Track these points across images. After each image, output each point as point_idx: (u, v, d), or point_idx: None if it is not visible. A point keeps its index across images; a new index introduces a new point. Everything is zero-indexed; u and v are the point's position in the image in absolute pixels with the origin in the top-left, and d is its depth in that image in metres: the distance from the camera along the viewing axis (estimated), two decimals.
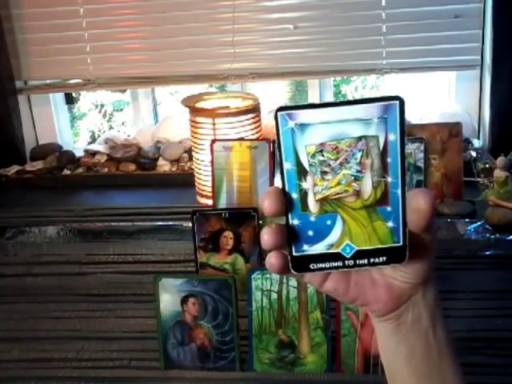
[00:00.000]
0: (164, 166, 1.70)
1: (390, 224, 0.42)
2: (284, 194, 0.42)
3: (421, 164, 1.36)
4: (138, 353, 1.18)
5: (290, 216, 0.43)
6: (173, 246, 1.40)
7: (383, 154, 0.41)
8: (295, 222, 0.43)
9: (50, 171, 1.74)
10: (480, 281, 1.25)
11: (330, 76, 1.76)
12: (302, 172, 0.42)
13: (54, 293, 1.37)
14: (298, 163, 0.42)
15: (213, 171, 1.35)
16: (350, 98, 3.13)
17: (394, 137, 0.41)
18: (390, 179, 0.42)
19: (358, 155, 0.41)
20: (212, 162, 1.35)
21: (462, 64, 1.61)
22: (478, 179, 1.37)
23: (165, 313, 1.12)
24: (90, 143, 2.06)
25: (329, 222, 0.43)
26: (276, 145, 0.42)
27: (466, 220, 1.31)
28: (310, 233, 0.43)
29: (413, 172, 1.37)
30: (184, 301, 1.11)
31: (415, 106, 1.89)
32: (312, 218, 0.43)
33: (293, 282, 1.08)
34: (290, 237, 0.43)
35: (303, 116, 0.41)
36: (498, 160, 1.29)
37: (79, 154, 1.80)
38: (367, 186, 0.42)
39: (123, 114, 3.36)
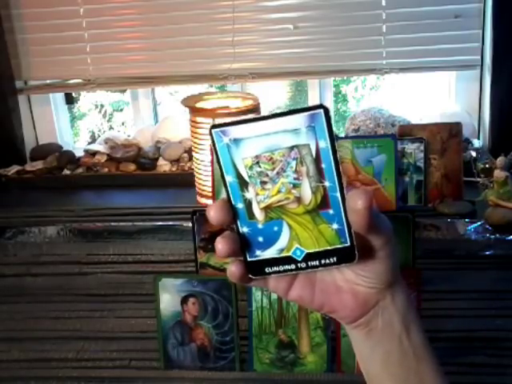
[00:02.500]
0: (164, 165, 1.70)
1: (335, 226, 0.44)
2: (230, 205, 0.45)
3: (421, 164, 1.36)
4: (138, 353, 1.18)
5: (239, 225, 0.45)
6: (173, 246, 1.39)
7: (317, 160, 0.43)
8: (244, 229, 0.45)
9: (49, 171, 1.74)
10: (480, 281, 1.25)
11: (329, 76, 1.76)
12: (243, 183, 0.44)
13: (54, 293, 1.37)
14: (238, 175, 0.44)
15: (213, 171, 1.35)
16: (348, 99, 3.13)
17: (324, 143, 0.42)
18: (327, 184, 0.43)
19: (293, 163, 0.43)
20: (212, 162, 1.35)
21: (462, 64, 1.61)
22: (478, 179, 1.37)
23: (165, 313, 1.12)
24: (90, 143, 2.06)
25: (276, 228, 0.45)
26: (215, 160, 0.44)
27: (466, 220, 1.31)
28: (260, 239, 0.45)
29: (413, 172, 1.37)
30: (184, 301, 1.11)
31: (415, 106, 1.89)
32: (260, 226, 0.45)
33: None
34: (243, 244, 0.45)
35: (236, 131, 0.43)
36: (498, 160, 1.29)
37: (79, 153, 1.80)
38: (306, 192, 0.44)
39: (123, 114, 3.36)
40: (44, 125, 1.90)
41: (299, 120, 0.42)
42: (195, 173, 1.48)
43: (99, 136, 2.07)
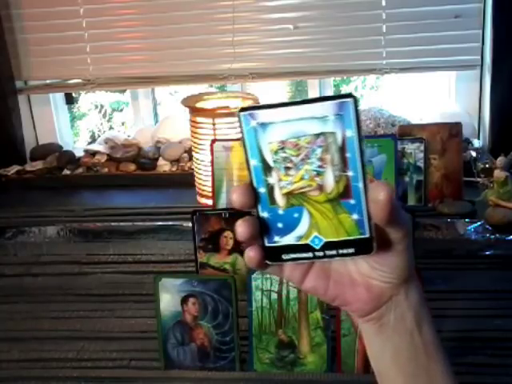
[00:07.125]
0: (164, 165, 1.70)
1: (355, 216, 0.44)
2: (252, 189, 0.44)
3: (421, 164, 1.36)
4: (138, 353, 1.18)
5: (259, 209, 0.45)
6: (173, 246, 1.39)
7: (342, 149, 0.43)
8: (265, 214, 0.45)
9: (50, 171, 1.74)
10: (480, 281, 1.25)
11: (329, 76, 1.76)
12: (267, 168, 0.44)
13: (54, 293, 1.37)
14: (263, 160, 0.44)
15: (213, 171, 1.35)
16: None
17: (350, 133, 0.42)
18: (350, 173, 0.43)
19: (318, 151, 0.43)
20: (212, 161, 1.35)
21: (462, 64, 1.61)
22: (478, 179, 1.37)
23: (165, 313, 1.12)
24: (90, 143, 2.06)
25: (296, 215, 0.45)
26: (242, 143, 0.44)
27: (466, 220, 1.31)
28: (280, 225, 0.45)
29: (413, 172, 1.37)
30: (184, 301, 1.11)
31: (415, 106, 1.89)
32: (280, 211, 0.45)
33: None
34: (262, 229, 0.45)
35: (264, 115, 0.43)
36: (498, 160, 1.29)
37: (79, 153, 1.80)
38: (329, 180, 0.43)
39: (123, 114, 3.36)
40: (44, 125, 1.90)
41: (327, 108, 0.42)
42: (195, 173, 1.48)
43: (99, 136, 2.07)
